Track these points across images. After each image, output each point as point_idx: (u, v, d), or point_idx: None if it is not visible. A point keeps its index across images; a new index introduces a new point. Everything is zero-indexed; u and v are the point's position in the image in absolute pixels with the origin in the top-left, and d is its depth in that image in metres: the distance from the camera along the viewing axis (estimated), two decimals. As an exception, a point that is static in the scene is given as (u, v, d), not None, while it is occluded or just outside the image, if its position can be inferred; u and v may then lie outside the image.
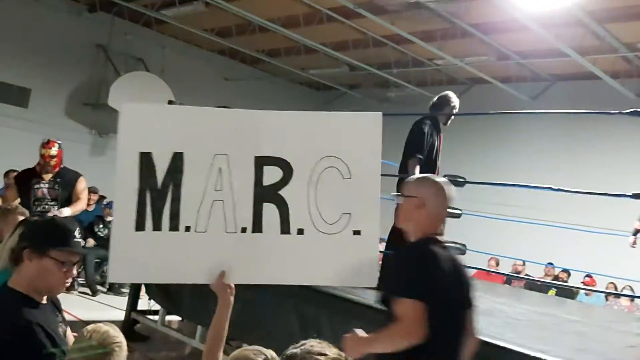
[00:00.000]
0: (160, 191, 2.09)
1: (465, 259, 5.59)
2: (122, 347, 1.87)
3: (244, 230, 2.10)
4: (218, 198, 2.10)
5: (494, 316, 4.30)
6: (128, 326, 5.68)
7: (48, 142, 5.17)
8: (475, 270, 8.18)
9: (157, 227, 2.07)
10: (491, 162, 11.76)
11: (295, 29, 10.89)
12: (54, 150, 5.11)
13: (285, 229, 2.11)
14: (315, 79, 14.48)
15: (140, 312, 5.92)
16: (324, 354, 1.64)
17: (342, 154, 2.14)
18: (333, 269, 2.13)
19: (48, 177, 5.14)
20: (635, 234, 5.63)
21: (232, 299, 2.07)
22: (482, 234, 9.44)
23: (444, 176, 5.55)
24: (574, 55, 9.55)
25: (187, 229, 2.08)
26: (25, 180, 5.15)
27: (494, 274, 9.12)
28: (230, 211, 2.10)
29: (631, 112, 3.12)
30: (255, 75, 14.49)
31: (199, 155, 2.12)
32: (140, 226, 2.07)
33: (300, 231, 2.10)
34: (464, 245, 7.08)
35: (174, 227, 2.08)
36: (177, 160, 2.10)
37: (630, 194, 3.09)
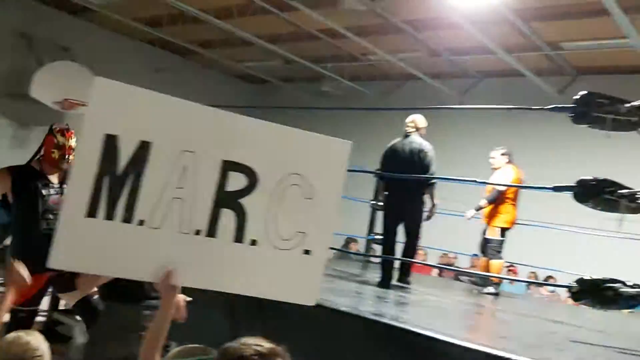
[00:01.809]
0: (119, 178, 2.00)
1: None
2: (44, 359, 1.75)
3: (197, 232, 2.06)
4: (178, 196, 2.04)
5: (422, 306, 4.40)
6: (48, 327, 5.45)
7: (67, 128, 3.70)
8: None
9: (109, 216, 1.98)
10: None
11: (229, 20, 10.75)
12: (73, 141, 3.65)
13: (239, 237, 2.09)
14: (250, 71, 14.35)
15: (62, 312, 5.69)
16: (260, 345, 1.66)
17: (308, 174, 2.16)
18: (278, 283, 2.15)
19: (55, 178, 3.68)
20: (477, 209, 5.91)
21: (176, 301, 2.03)
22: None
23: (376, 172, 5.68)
24: (501, 52, 9.89)
25: (141, 222, 2.01)
26: (25, 183, 3.57)
27: (423, 265, 9.37)
28: (188, 211, 2.05)
29: (552, 108, 3.25)
30: (187, 66, 14.21)
31: (167, 148, 2.05)
32: (91, 212, 1.97)
33: (254, 242, 2.10)
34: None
35: (127, 218, 2.00)
36: (143, 149, 2.02)
37: (552, 186, 3.20)
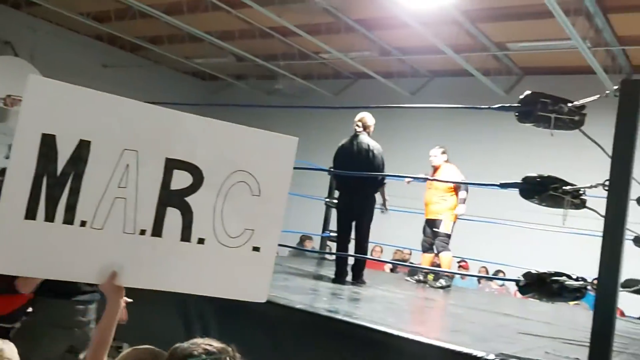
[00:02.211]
0: (58, 179, 1.93)
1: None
2: None
3: (142, 232, 2.02)
4: (120, 195, 2.00)
5: (375, 302, 4.45)
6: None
7: None
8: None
9: (49, 217, 1.92)
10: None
11: (179, 16, 10.59)
12: None
13: (186, 236, 2.06)
14: (200, 68, 14.18)
15: None
16: (210, 344, 1.66)
17: (254, 170, 2.14)
18: (227, 281, 2.13)
19: None
20: (417, 179, 6.17)
21: (122, 302, 1.99)
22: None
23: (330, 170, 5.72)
24: (450, 52, 10.08)
25: (83, 223, 1.96)
26: None
27: (377, 261, 9.48)
28: (132, 211, 2.01)
29: (499, 107, 3.33)
30: (136, 62, 13.94)
31: (107, 147, 2.00)
32: (30, 214, 1.90)
33: (201, 241, 2.07)
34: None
35: (68, 219, 1.94)
36: (82, 148, 1.96)
37: (499, 183, 3.29)
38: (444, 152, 6.41)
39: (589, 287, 2.65)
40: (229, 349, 1.68)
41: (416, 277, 6.65)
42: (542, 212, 3.60)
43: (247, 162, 2.14)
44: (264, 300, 2.13)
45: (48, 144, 1.93)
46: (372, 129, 5.49)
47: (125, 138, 2.02)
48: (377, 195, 5.47)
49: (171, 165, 2.05)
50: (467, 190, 6.21)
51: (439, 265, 6.43)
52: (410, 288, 6.13)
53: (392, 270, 9.55)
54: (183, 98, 13.50)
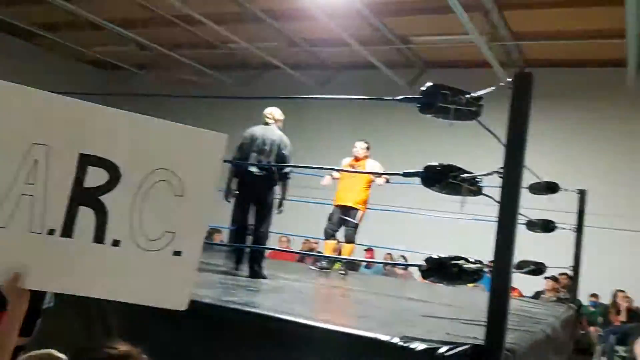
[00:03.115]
0: None
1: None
2: None
3: (51, 232, 1.88)
4: (28, 192, 1.85)
5: (284, 292, 4.47)
6: None
7: None
8: (268, 251, 8.46)
9: None
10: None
11: (77, 2, 10.08)
12: None
13: (99, 237, 1.92)
14: (101, 57, 13.58)
15: None
16: (114, 347, 1.59)
17: (177, 169, 2.00)
18: (145, 287, 1.99)
19: None
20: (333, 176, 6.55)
21: (25, 305, 1.85)
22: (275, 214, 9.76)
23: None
24: (356, 45, 10.26)
25: None
26: None
27: (285, 252, 9.53)
28: (40, 209, 1.87)
29: (402, 98, 3.41)
30: (30, 50, 13.12)
31: (15, 140, 1.85)
32: None
33: (116, 243, 1.93)
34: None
35: None
36: None
37: (402, 172, 3.38)
38: (368, 148, 6.59)
39: (485, 269, 2.79)
40: (134, 351, 1.61)
41: (319, 264, 6.75)
42: (443, 200, 3.75)
43: (170, 160, 2.00)
44: (184, 308, 2.02)
45: None
46: (281, 124, 5.48)
47: (34, 131, 1.88)
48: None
49: (85, 161, 1.92)
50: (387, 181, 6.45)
51: (340, 252, 6.62)
52: (317, 277, 6.21)
53: (300, 260, 9.64)
54: (83, 88, 12.86)
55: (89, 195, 1.92)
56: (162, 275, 2.00)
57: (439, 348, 2.54)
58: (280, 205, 5.37)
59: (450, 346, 2.55)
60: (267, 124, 5.36)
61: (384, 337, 2.65)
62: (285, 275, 5.57)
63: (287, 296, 4.29)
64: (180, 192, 2.00)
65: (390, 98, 3.59)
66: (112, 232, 1.94)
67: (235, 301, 3.35)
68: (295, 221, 9.77)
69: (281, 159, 5.20)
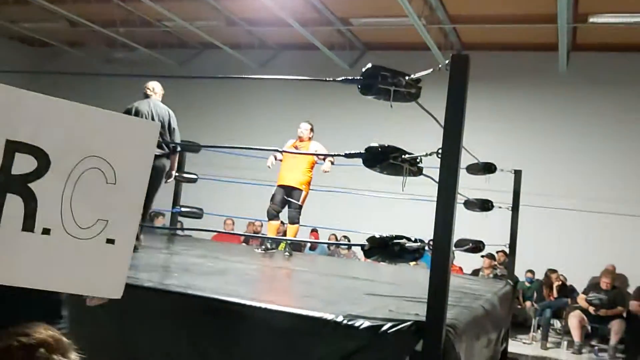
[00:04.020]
0: None
1: (202, 222, 5.65)
2: None
3: None
4: None
5: (228, 274, 4.45)
6: None
7: None
8: (214, 233, 8.40)
9: None
10: (225, 127, 12.04)
11: (2, -25, 9.56)
12: None
13: (28, 226, 1.86)
14: (29, 33, 12.95)
15: None
16: (28, 335, 1.40)
17: (109, 156, 1.97)
18: (77, 276, 1.96)
19: None
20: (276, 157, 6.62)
21: None
22: (219, 196, 9.67)
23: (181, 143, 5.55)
24: (296, 25, 10.19)
25: None
26: None
27: (231, 234, 9.48)
28: None
29: (343, 79, 3.43)
30: (-49, 26, 12.38)
31: None
32: None
33: (47, 231, 1.88)
34: (201, 210, 7.20)
35: None
36: None
37: (344, 153, 3.40)
38: (312, 129, 6.59)
39: (426, 248, 2.87)
40: (55, 340, 1.41)
41: (263, 246, 6.75)
42: (384, 181, 3.81)
43: (102, 148, 1.97)
44: (119, 297, 2.00)
45: None
46: (160, 97, 5.39)
47: None
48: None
49: (12, 147, 1.84)
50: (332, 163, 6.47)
51: (285, 233, 6.64)
52: (262, 258, 6.21)
53: (245, 242, 9.61)
54: (9, 66, 12.27)
55: (17, 182, 1.86)
56: (96, 264, 1.97)
57: (382, 325, 2.60)
58: (170, 177, 5.33)
59: (394, 323, 2.62)
60: (148, 96, 5.28)
61: (329, 316, 2.69)
62: (230, 257, 5.55)
63: (231, 278, 4.28)
64: (112, 179, 1.98)
65: (331, 79, 3.60)
66: (42, 220, 1.89)
67: (177, 284, 3.31)
68: (240, 203, 9.74)
69: (172, 133, 5.18)
